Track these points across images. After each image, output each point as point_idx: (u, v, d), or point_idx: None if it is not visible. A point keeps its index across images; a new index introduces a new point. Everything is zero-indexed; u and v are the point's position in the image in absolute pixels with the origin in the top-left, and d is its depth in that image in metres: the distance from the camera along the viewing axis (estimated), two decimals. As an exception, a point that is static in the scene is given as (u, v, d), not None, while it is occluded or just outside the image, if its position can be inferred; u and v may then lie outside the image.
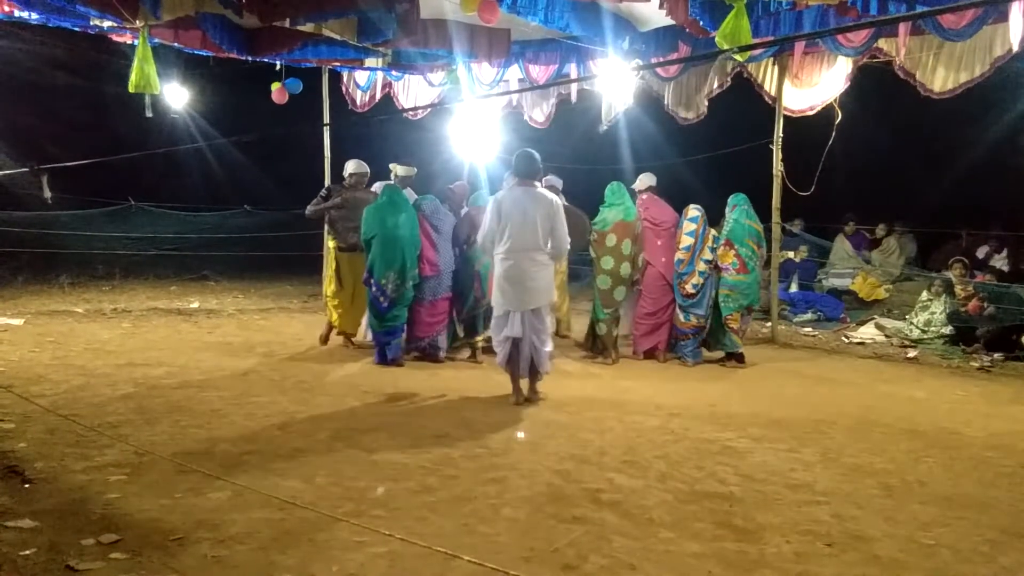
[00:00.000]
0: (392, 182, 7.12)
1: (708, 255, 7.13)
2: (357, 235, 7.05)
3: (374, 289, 6.69)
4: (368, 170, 7.58)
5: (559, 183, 7.54)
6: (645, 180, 7.55)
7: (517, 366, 5.53)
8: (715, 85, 8.78)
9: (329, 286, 7.55)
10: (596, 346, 7.33)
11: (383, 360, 6.76)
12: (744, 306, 7.11)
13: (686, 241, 7.17)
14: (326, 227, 7.72)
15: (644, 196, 7.47)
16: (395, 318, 6.80)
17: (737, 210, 7.21)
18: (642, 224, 7.21)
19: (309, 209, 7.45)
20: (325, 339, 7.61)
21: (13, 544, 3.01)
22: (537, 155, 5.57)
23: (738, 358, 7.21)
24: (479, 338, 7.08)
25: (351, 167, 7.52)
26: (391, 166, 7.42)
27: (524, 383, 5.60)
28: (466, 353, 7.18)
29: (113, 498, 3.51)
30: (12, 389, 5.36)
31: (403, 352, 6.91)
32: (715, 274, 7.15)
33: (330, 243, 7.58)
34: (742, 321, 7.19)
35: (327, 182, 9.52)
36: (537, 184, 5.64)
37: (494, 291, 5.66)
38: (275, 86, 9.20)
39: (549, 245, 5.46)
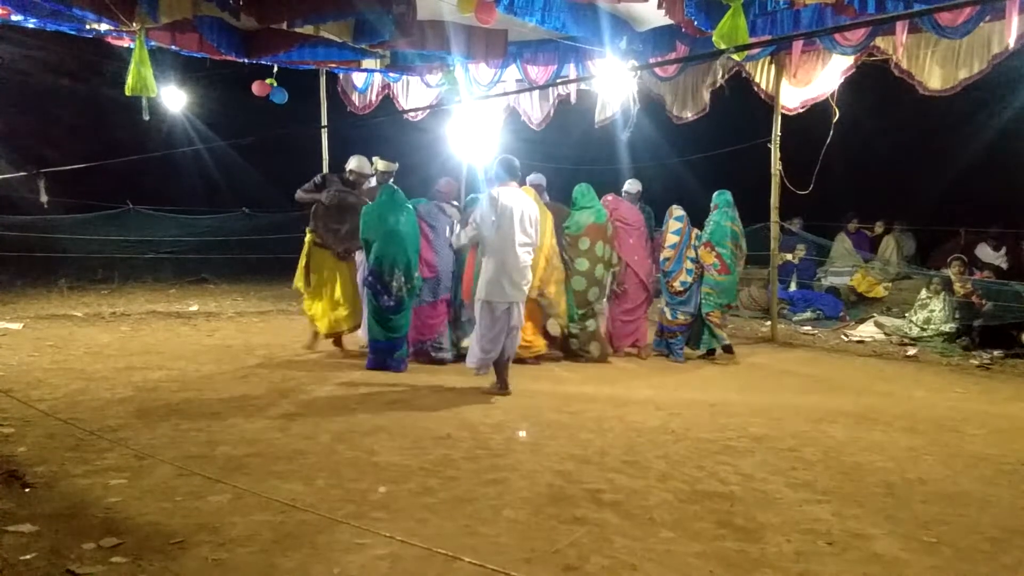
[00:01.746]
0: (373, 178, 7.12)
1: (693, 253, 7.31)
2: (335, 237, 6.98)
3: (378, 288, 6.47)
4: (370, 172, 7.35)
5: (543, 181, 7.51)
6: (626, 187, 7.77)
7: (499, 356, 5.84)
8: (711, 85, 8.78)
9: (299, 280, 7.19)
10: (568, 347, 7.31)
11: (377, 367, 6.54)
12: (723, 304, 7.34)
13: (671, 240, 7.33)
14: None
15: (610, 198, 7.62)
16: (399, 327, 6.55)
17: (718, 212, 7.38)
18: (614, 224, 7.29)
19: (299, 193, 7.14)
20: (312, 345, 7.33)
21: (14, 549, 3.00)
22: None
23: (727, 349, 7.39)
24: None
25: (352, 163, 7.25)
26: (373, 159, 7.40)
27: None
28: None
29: (113, 502, 3.50)
30: (12, 393, 5.35)
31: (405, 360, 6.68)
32: (701, 272, 7.33)
33: (308, 235, 7.17)
34: (722, 319, 7.40)
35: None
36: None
37: (490, 285, 5.67)
38: (267, 81, 9.18)
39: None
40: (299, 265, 7.21)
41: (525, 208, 5.77)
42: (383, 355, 6.58)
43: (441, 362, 6.86)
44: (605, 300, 7.40)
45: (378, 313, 6.53)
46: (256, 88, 9.21)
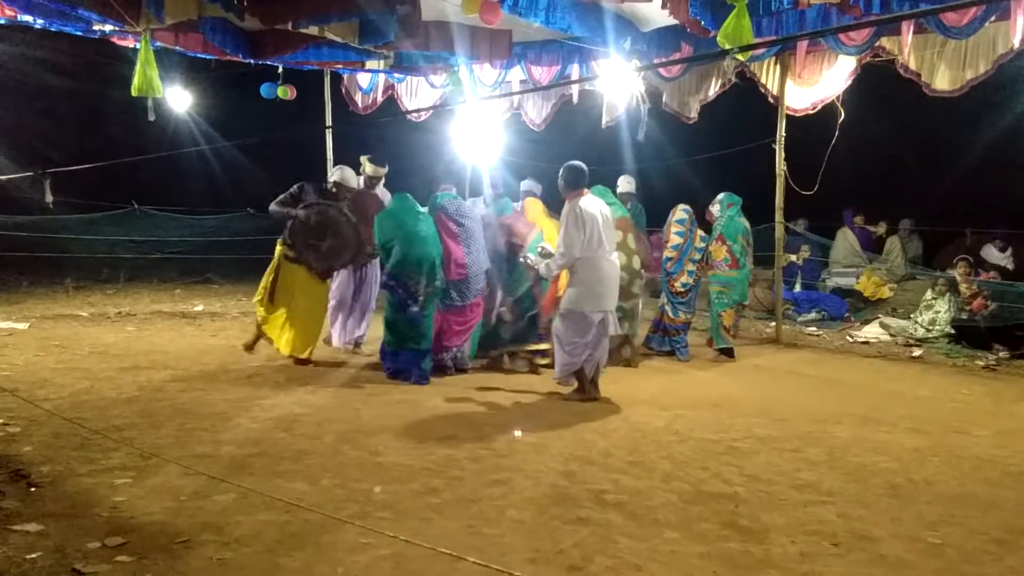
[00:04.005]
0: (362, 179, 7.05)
1: (696, 255, 7.35)
2: (315, 254, 6.45)
3: (401, 293, 6.05)
4: (354, 184, 6.89)
5: (538, 189, 7.26)
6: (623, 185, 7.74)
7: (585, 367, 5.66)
8: (716, 85, 8.76)
9: (258, 296, 6.63)
10: None
11: (399, 376, 6.16)
12: (736, 302, 7.42)
13: (675, 240, 7.37)
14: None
15: None
16: (423, 335, 6.10)
17: (733, 209, 7.46)
18: None
19: (273, 207, 6.55)
20: (251, 346, 6.80)
21: (19, 548, 3.01)
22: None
23: (728, 353, 7.46)
24: (543, 345, 6.61)
25: (336, 175, 6.84)
26: (361, 159, 7.23)
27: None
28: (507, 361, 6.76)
29: (119, 501, 3.51)
30: (17, 393, 5.37)
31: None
32: (704, 273, 7.41)
33: (279, 247, 6.57)
34: (735, 318, 7.50)
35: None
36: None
37: (584, 296, 5.48)
38: (282, 92, 9.21)
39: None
40: (263, 281, 6.58)
41: (604, 212, 5.64)
42: (406, 366, 6.15)
43: (463, 372, 6.47)
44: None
45: (401, 322, 6.11)
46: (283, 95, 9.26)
